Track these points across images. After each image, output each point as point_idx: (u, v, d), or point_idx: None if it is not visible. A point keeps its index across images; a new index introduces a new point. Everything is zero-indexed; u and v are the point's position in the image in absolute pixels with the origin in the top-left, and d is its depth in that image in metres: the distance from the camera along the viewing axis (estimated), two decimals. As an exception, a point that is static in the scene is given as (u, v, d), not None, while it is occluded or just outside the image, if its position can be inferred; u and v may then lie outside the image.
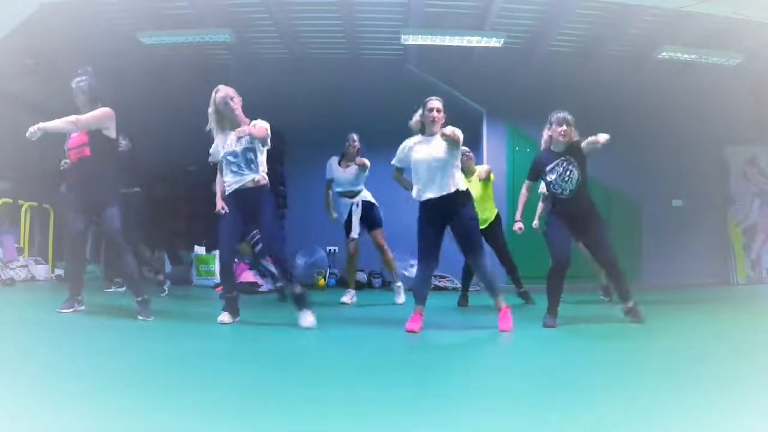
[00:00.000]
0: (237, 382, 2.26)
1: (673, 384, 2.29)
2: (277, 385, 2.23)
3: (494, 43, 7.86)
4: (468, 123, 8.86)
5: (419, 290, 3.96)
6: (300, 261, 8.19)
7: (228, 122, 3.95)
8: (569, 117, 4.03)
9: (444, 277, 8.21)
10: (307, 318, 3.74)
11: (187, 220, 9.12)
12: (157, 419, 1.69)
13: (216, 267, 7.99)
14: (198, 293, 6.74)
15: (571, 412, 1.85)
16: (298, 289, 3.83)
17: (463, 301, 5.72)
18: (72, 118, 3.90)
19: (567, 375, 2.52)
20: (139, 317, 3.89)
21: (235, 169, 3.86)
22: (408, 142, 4.07)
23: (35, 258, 7.62)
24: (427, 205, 3.87)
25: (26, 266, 7.28)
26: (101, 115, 3.98)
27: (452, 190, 3.82)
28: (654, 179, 8.71)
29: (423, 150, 3.92)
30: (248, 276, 7.10)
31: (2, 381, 2.12)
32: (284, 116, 7.94)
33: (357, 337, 3.65)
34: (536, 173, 4.23)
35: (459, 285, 8.26)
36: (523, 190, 4.38)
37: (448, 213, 3.84)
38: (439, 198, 3.81)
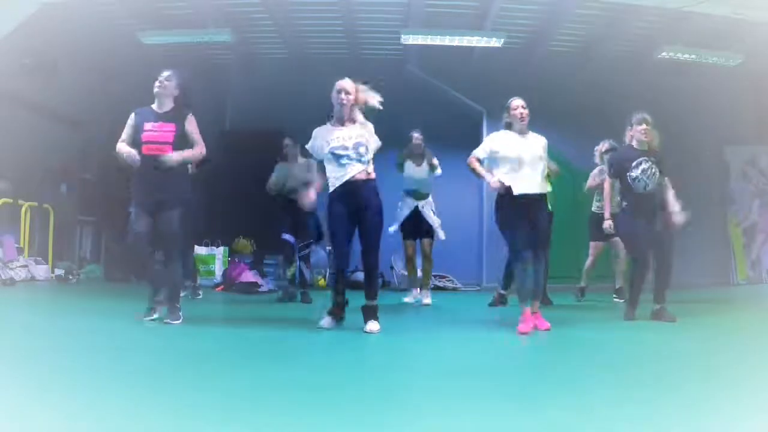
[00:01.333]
0: (237, 382, 2.26)
1: (673, 384, 2.29)
2: (278, 385, 2.22)
3: (494, 43, 7.87)
4: (468, 123, 8.98)
5: (528, 288, 3.83)
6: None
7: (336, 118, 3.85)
8: (648, 117, 4.28)
9: (444, 277, 8.21)
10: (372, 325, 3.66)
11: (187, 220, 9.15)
12: (156, 419, 1.69)
13: (217, 266, 8.02)
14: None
15: (571, 411, 1.85)
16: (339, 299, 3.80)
17: (499, 301, 5.63)
18: (199, 151, 3.89)
19: (566, 374, 2.52)
20: (165, 320, 3.77)
21: (344, 162, 3.68)
22: (497, 136, 4.05)
23: (35, 258, 7.62)
24: (518, 200, 3.82)
25: (26, 266, 7.27)
26: (195, 125, 3.93)
27: (545, 190, 3.91)
28: (654, 179, 8.70)
29: (519, 146, 3.89)
30: (248, 276, 7.09)
31: (2, 381, 2.12)
32: (284, 116, 7.97)
33: (362, 337, 3.64)
34: (620, 170, 4.35)
35: (458, 285, 8.29)
36: (608, 189, 4.61)
37: (533, 210, 3.86)
38: (530, 195, 3.83)
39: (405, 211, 5.67)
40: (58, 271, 7.66)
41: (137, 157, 3.68)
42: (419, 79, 8.93)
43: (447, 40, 7.89)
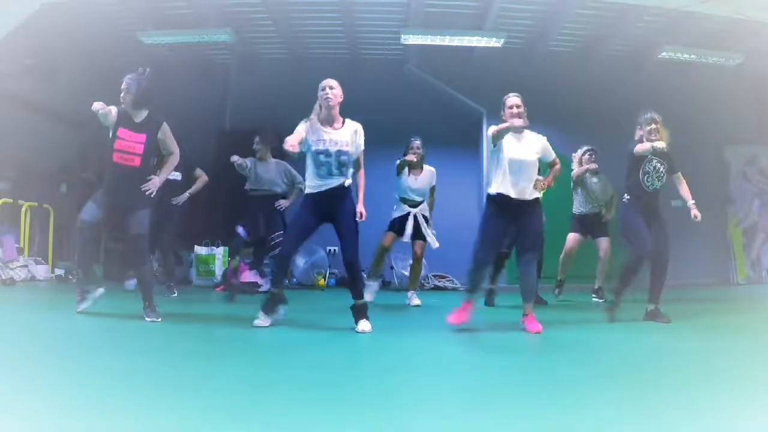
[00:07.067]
0: (236, 382, 2.26)
1: (672, 384, 2.29)
2: (274, 383, 2.23)
3: (494, 43, 7.88)
4: (468, 123, 8.98)
5: (473, 284, 3.86)
6: (300, 261, 8.18)
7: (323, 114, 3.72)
8: (657, 116, 4.30)
9: (443, 277, 8.21)
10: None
11: (187, 220, 9.16)
12: (156, 419, 1.69)
13: (217, 266, 8.01)
14: (198, 293, 6.73)
15: (570, 412, 1.85)
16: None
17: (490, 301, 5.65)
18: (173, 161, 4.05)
19: (564, 375, 2.52)
20: (147, 319, 3.83)
21: (324, 172, 3.65)
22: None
23: (35, 258, 7.62)
24: (500, 201, 3.79)
25: (26, 266, 7.28)
26: (169, 132, 4.01)
27: (533, 196, 3.80)
28: (654, 179, 8.72)
29: (514, 147, 3.79)
30: (248, 276, 7.09)
31: (2, 381, 2.12)
32: (284, 116, 7.95)
33: (357, 336, 3.64)
34: (635, 164, 4.36)
35: (458, 285, 8.29)
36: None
37: (518, 213, 3.79)
38: (518, 200, 3.75)
39: (398, 213, 5.60)
40: (58, 271, 7.66)
41: (101, 109, 3.80)
42: (419, 79, 8.94)
43: (447, 40, 7.90)
